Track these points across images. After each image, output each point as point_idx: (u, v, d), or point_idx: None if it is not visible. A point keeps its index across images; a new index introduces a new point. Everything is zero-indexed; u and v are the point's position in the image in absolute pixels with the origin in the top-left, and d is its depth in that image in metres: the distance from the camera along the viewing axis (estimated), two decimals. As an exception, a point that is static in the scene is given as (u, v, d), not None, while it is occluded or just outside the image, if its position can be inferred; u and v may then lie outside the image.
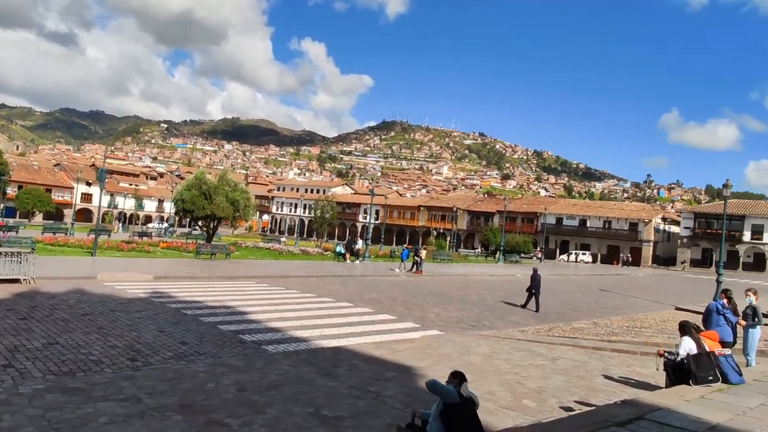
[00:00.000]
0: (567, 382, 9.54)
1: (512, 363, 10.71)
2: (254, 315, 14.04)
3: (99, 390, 7.37)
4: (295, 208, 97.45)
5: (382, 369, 9.71)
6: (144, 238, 43.47)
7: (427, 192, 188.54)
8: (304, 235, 73.74)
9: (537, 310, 18.97)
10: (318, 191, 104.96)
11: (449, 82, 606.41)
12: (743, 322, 9.45)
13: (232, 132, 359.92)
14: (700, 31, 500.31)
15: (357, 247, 29.49)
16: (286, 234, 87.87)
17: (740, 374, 6.78)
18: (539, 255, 63.05)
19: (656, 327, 16.71)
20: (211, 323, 12.51)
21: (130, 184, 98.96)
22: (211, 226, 36.44)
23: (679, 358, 6.61)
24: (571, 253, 67.52)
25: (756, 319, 9.39)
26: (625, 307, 22.50)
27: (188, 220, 41.32)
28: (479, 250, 67.55)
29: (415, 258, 29.43)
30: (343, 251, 33.56)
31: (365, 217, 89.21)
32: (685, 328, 6.84)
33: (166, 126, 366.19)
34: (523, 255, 61.11)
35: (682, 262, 63.76)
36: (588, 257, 66.67)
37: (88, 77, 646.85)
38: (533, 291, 19.45)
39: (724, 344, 8.47)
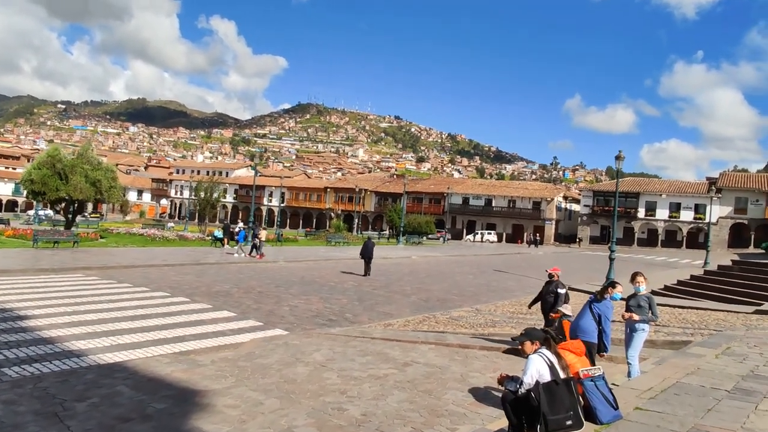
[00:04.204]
0: (407, 401, 7.10)
1: (347, 375, 8.19)
2: (38, 320, 10.76)
3: None
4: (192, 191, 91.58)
5: (152, 397, 6.89)
6: None
7: (342, 175, 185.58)
8: (206, 220, 68.85)
9: (365, 275, 21.24)
10: (221, 174, 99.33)
11: (365, 64, 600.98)
12: (635, 317, 7.17)
13: (137, 113, 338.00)
14: (600, 20, 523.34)
15: (258, 233, 25.18)
16: (187, 219, 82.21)
17: (615, 405, 4.51)
18: (445, 235, 61.95)
19: (543, 312, 14.84)
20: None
21: (7, 168, 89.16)
22: (70, 210, 31.81)
23: (522, 390, 4.26)
24: (477, 233, 67.04)
25: (652, 313, 7.21)
26: (516, 289, 20.80)
27: (46, 203, 36.17)
28: (387, 231, 65.69)
29: (254, 240, 25.61)
30: (221, 236, 30.16)
31: (270, 200, 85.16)
32: (532, 338, 4.43)
33: (63, 107, 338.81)
34: (429, 236, 59.74)
35: (578, 240, 64.76)
36: (493, 237, 66.43)
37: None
38: (365, 257, 21.62)
39: (588, 349, 6.31)
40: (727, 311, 14.19)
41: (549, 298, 9.74)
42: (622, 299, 8.09)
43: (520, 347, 4.54)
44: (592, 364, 6.71)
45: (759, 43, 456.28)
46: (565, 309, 8.54)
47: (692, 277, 20.45)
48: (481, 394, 7.44)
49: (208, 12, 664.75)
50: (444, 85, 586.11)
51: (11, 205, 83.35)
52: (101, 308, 12.20)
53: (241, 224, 31.14)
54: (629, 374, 6.86)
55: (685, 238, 60.55)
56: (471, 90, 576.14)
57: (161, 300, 13.78)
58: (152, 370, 8.12)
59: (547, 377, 4.21)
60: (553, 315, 9.21)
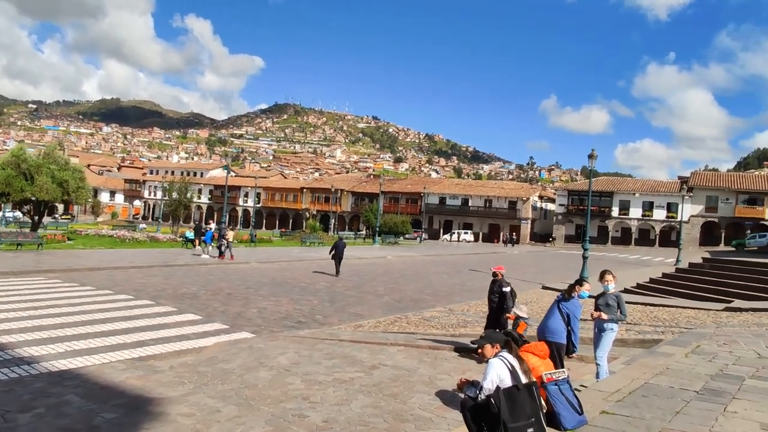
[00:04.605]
0: (372, 406, 6.85)
1: (311, 379, 7.91)
2: (-11, 326, 10.26)
3: None
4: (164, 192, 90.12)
5: (102, 407, 6.54)
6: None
7: (320, 175, 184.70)
8: (179, 221, 67.68)
9: (337, 275, 21.26)
10: (196, 174, 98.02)
11: (342, 64, 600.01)
12: (604, 316, 6.95)
13: (111, 114, 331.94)
14: (574, 21, 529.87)
15: (224, 233, 24.54)
16: (160, 220, 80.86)
17: (580, 410, 4.31)
18: (422, 235, 61.90)
19: (516, 312, 14.72)
20: None
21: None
22: (37, 211, 30.89)
23: (482, 396, 4.02)
24: (454, 233, 67.14)
25: (620, 312, 7.03)
26: (490, 288, 20.66)
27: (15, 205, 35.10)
28: (364, 231, 65.39)
29: (222, 241, 24.84)
30: (192, 236, 29.59)
31: (246, 201, 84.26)
32: (492, 341, 4.20)
33: (35, 107, 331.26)
34: (406, 236, 59.59)
35: (552, 238, 65.21)
36: (470, 236, 66.56)
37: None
38: (335, 257, 21.61)
39: (551, 349, 6.12)
40: (698, 309, 14.21)
41: (494, 297, 9.56)
42: (591, 297, 7.94)
43: (479, 351, 4.31)
44: (562, 365, 6.53)
45: (728, 45, 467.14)
46: (520, 311, 8.34)
47: (664, 275, 20.57)
48: (448, 398, 7.22)
49: (184, 11, 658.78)
50: (422, 85, 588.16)
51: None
52: (59, 312, 11.73)
53: (213, 224, 30.57)
54: (598, 375, 6.69)
55: (657, 237, 61.38)
56: (448, 90, 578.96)
57: (124, 303, 13.32)
58: (106, 377, 7.74)
59: (508, 382, 3.98)
60: (508, 316, 9.04)
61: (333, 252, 21.83)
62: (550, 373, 4.45)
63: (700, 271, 19.49)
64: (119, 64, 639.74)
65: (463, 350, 9.58)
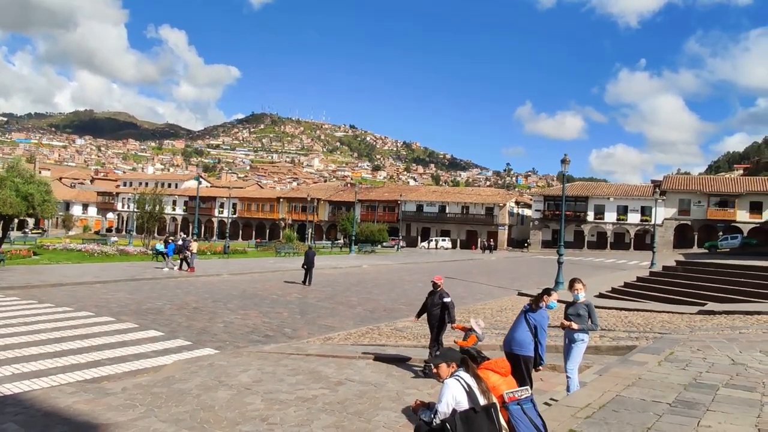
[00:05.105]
0: (334, 426, 6.48)
1: (272, 398, 7.51)
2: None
3: None
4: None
5: (42, 435, 6.06)
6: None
7: (298, 185, 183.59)
8: (151, 234, 66.33)
9: (307, 284, 21.41)
10: (170, 185, 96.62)
11: (318, 73, 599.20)
12: (575, 326, 6.63)
13: (85, 125, 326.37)
14: (548, 29, 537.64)
15: (188, 244, 23.93)
16: (132, 233, 79.35)
17: (544, 431, 3.99)
18: (399, 243, 61.58)
19: (490, 319, 14.49)
20: None
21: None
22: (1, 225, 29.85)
23: (437, 420, 3.69)
24: (431, 240, 66.95)
25: (591, 322, 6.74)
26: (465, 296, 20.42)
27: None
28: (341, 241, 64.85)
29: (185, 253, 24.47)
30: (163, 249, 28.83)
31: (222, 212, 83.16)
32: (448, 359, 3.86)
33: (5, 119, 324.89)
34: (384, 244, 59.24)
35: (527, 244, 65.39)
36: (448, 243, 66.43)
37: None
38: (306, 267, 21.64)
39: (518, 362, 5.84)
40: (672, 312, 14.12)
41: (434, 310, 9.16)
42: (561, 302, 7.68)
43: (434, 371, 3.98)
44: (530, 379, 6.22)
45: (697, 51, 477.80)
46: (477, 325, 8.03)
47: (638, 278, 20.54)
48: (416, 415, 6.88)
49: (158, 21, 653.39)
50: (399, 93, 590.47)
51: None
52: (12, 332, 11.14)
53: (183, 236, 29.84)
54: (568, 388, 6.40)
55: (632, 240, 61.94)
56: (425, 97, 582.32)
57: (83, 321, 12.74)
58: (52, 402, 7.26)
59: (464, 404, 3.66)
60: (456, 326, 8.73)
61: (304, 261, 21.89)
62: (512, 392, 4.13)
63: (674, 274, 19.50)
64: (92, 75, 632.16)
65: (380, 359, 9.40)
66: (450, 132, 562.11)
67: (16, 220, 59.24)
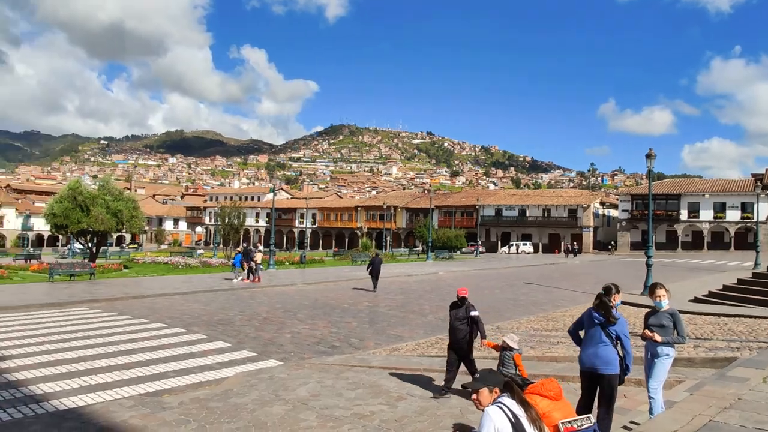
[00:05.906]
0: (388, 447, 6.00)
1: (328, 415, 7.12)
2: (12, 360, 10.09)
3: None
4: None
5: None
6: (32, 261, 38.31)
7: (376, 193, 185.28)
8: (231, 246, 68.83)
9: (374, 290, 21.64)
10: (253, 198, 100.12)
11: (394, 82, 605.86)
12: (658, 338, 5.67)
13: (176, 145, 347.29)
14: (629, 21, 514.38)
15: (254, 257, 24.44)
16: (216, 245, 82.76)
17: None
18: (479, 248, 60.27)
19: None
20: None
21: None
22: (93, 241, 31.76)
23: (476, 455, 3.10)
24: (512, 245, 65.04)
25: (677, 333, 5.77)
26: (545, 302, 19.34)
27: (68, 236, 36.35)
28: (419, 248, 64.37)
29: (250, 264, 24.52)
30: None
31: (302, 222, 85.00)
32: (490, 383, 3.22)
33: (106, 143, 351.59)
34: (462, 250, 58.19)
35: (610, 246, 61.96)
36: (529, 248, 64.32)
37: (19, 96, 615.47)
38: (372, 274, 21.88)
39: (600, 382, 5.05)
40: (780, 319, 12.54)
41: (461, 325, 8.01)
42: (632, 305, 6.79)
43: (474, 397, 3.40)
44: (613, 401, 5.36)
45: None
46: (511, 340, 7.19)
47: (739, 280, 18.60)
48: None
49: (239, 42, 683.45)
50: (475, 97, 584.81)
51: (53, 240, 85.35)
52: (86, 344, 11.47)
53: (260, 247, 30.43)
54: (651, 411, 5.53)
55: (732, 239, 57.36)
56: (503, 100, 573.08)
57: (155, 332, 12.99)
58: (108, 416, 7.22)
59: (509, 436, 3.06)
60: (486, 343, 7.76)
61: (370, 268, 22.12)
62: (568, 422, 3.45)
63: (782, 275, 17.49)
64: (181, 97, 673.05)
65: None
66: (529, 134, 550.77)
67: (114, 236, 63.31)
